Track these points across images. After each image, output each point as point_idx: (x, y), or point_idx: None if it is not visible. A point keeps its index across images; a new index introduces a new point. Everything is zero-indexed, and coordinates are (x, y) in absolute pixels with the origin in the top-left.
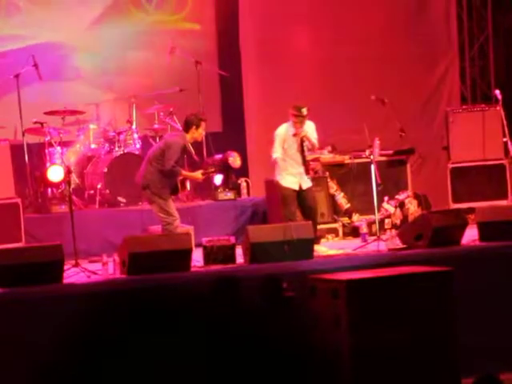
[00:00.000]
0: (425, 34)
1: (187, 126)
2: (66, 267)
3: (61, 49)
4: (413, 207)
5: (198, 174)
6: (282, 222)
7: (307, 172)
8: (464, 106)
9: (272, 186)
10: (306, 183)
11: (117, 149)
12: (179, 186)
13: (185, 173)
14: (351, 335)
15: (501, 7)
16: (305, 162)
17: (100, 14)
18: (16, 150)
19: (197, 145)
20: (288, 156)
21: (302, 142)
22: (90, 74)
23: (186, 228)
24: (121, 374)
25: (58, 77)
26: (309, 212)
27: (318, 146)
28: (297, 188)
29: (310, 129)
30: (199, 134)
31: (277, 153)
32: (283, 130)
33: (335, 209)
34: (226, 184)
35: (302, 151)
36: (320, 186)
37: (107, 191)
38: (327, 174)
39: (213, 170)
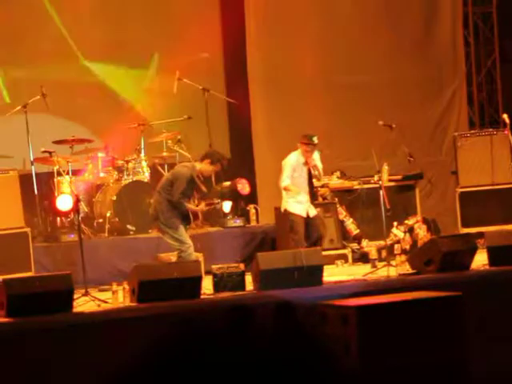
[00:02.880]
0: (432, 59)
1: (204, 157)
2: (75, 296)
3: (68, 77)
4: (422, 232)
5: (202, 207)
6: (291, 249)
7: (313, 200)
8: (472, 131)
9: (281, 213)
10: (313, 211)
11: (125, 177)
12: (191, 215)
13: (189, 206)
14: (362, 362)
15: (508, 31)
16: (312, 191)
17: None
18: (25, 179)
19: None
20: (296, 184)
21: (310, 170)
22: (99, 103)
23: (195, 255)
24: None
25: (66, 106)
26: (316, 239)
27: (322, 175)
28: (305, 215)
29: (316, 157)
30: (209, 170)
31: (286, 181)
32: (293, 159)
33: (344, 235)
34: (235, 211)
35: (310, 180)
36: (329, 212)
37: (116, 219)
38: (336, 199)
39: (217, 201)
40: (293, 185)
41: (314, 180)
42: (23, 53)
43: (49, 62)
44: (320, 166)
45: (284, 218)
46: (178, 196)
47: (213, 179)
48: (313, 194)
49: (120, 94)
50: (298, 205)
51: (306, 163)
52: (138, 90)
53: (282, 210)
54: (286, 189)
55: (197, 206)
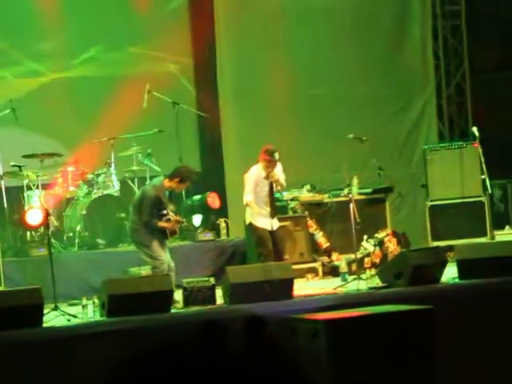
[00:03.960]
0: (402, 72)
1: (173, 175)
2: (45, 311)
3: (38, 92)
4: (392, 246)
5: (173, 223)
6: (261, 263)
7: (274, 214)
8: (442, 144)
9: (250, 227)
10: (276, 224)
11: (95, 191)
12: (168, 232)
13: (159, 223)
14: (332, 375)
15: (477, 44)
16: (274, 204)
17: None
18: None
19: None
20: (258, 198)
21: (272, 185)
22: (68, 117)
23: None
24: None
25: (35, 120)
26: (278, 252)
27: (285, 186)
28: (270, 228)
29: (278, 169)
30: (178, 187)
31: (248, 197)
32: (255, 174)
33: (314, 248)
34: (205, 225)
35: (272, 194)
36: (299, 225)
37: (86, 233)
38: (306, 212)
39: (183, 220)
40: (256, 198)
41: (280, 193)
42: None
43: (18, 76)
44: (283, 177)
45: (250, 231)
46: (146, 218)
47: (183, 193)
48: (275, 207)
49: (90, 107)
50: (263, 218)
51: (267, 177)
52: (108, 103)
53: (247, 222)
54: (247, 205)
55: (168, 220)
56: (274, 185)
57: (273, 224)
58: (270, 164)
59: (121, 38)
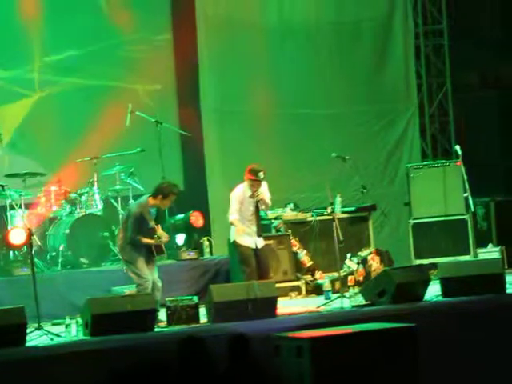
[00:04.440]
0: (384, 91)
1: (156, 192)
2: (28, 330)
3: (21, 112)
4: (375, 264)
5: (157, 240)
6: (245, 281)
7: (260, 233)
8: (425, 162)
9: (232, 245)
10: (260, 243)
11: (78, 210)
12: (153, 248)
13: (144, 240)
14: None
15: (459, 63)
16: (259, 223)
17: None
18: None
19: None
20: (243, 216)
21: (257, 203)
22: (51, 136)
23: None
24: None
25: (18, 139)
26: (263, 270)
27: (270, 205)
28: (254, 247)
29: (263, 188)
30: (163, 204)
31: (233, 216)
32: (240, 192)
33: (298, 266)
34: (188, 243)
35: (257, 212)
36: (283, 244)
37: (69, 253)
38: (290, 231)
39: (167, 239)
40: (241, 217)
41: (264, 211)
42: None
43: (1, 97)
44: (268, 196)
45: (234, 249)
46: (131, 235)
47: (166, 212)
48: (260, 226)
49: (72, 127)
50: (247, 237)
51: (252, 196)
52: (91, 122)
53: (232, 240)
54: (232, 223)
55: (155, 238)
56: (259, 204)
57: (257, 242)
58: (255, 183)
59: (104, 58)
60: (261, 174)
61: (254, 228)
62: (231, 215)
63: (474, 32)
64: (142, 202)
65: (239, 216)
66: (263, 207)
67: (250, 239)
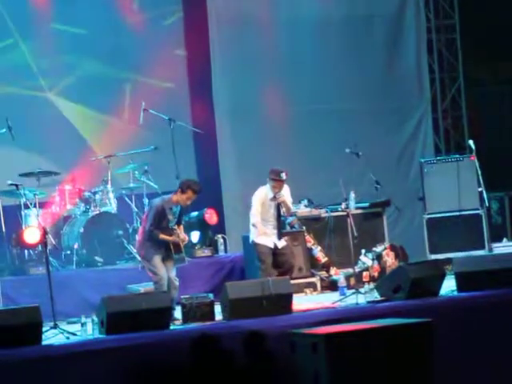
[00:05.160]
0: (397, 86)
1: (178, 189)
2: (44, 329)
3: (34, 109)
4: (390, 259)
5: (175, 237)
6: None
7: (280, 236)
8: (438, 157)
9: (249, 243)
10: (281, 243)
11: (93, 209)
12: (171, 247)
13: (162, 236)
14: None
15: (472, 57)
16: (280, 226)
17: (74, 76)
18: None
19: None
20: (264, 219)
21: (278, 206)
22: (65, 135)
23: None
24: None
25: (32, 138)
26: (286, 270)
27: (292, 210)
28: (272, 246)
29: (285, 192)
30: (182, 199)
31: (254, 217)
32: (262, 194)
33: (313, 263)
34: (203, 241)
35: (278, 215)
36: (297, 241)
37: (84, 251)
38: (304, 228)
39: (185, 239)
40: (261, 218)
41: (285, 215)
42: None
43: (15, 94)
44: (289, 200)
45: (253, 248)
46: (149, 227)
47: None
48: (281, 229)
49: (86, 125)
50: (266, 237)
51: (274, 198)
52: (105, 121)
53: (250, 241)
54: (254, 225)
55: (173, 235)
56: (281, 206)
57: (277, 243)
58: (277, 184)
59: (117, 57)
60: (283, 175)
61: (275, 230)
62: (253, 217)
63: (487, 26)
64: (164, 198)
65: (260, 218)
66: (284, 210)
67: (269, 239)
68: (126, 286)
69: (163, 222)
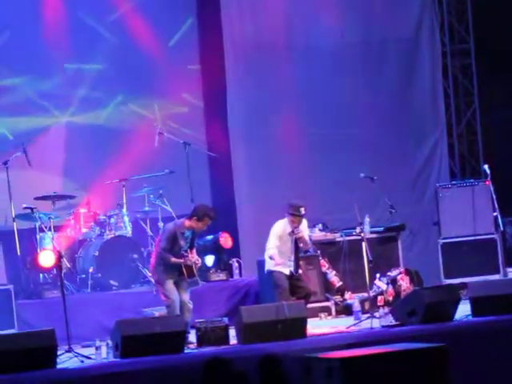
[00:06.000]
0: (413, 110)
1: (192, 213)
2: (59, 352)
3: (51, 135)
4: (405, 283)
5: (186, 260)
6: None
7: (297, 270)
8: (453, 182)
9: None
10: (297, 271)
11: (108, 232)
12: (184, 271)
13: (173, 260)
14: None
15: (487, 82)
16: (298, 259)
17: (89, 101)
18: (7, 235)
19: None
20: (282, 252)
21: (296, 240)
22: (80, 158)
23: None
24: None
25: (47, 162)
26: (304, 296)
27: (310, 246)
28: (288, 273)
29: (303, 226)
30: (198, 226)
31: (271, 250)
32: (280, 228)
33: (327, 287)
34: (217, 265)
35: (296, 250)
36: (312, 265)
37: (99, 275)
38: (319, 252)
39: (198, 262)
40: (279, 251)
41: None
42: (2, 107)
43: (30, 119)
44: (307, 233)
45: (269, 277)
46: (161, 251)
47: None
48: (298, 263)
49: (101, 148)
50: (282, 267)
51: (292, 233)
52: (120, 144)
53: (266, 270)
54: (271, 258)
55: (184, 258)
56: (298, 242)
57: (293, 271)
58: (296, 219)
59: (132, 83)
60: (302, 210)
61: (291, 262)
62: (269, 250)
63: (502, 50)
64: (177, 222)
65: (278, 251)
66: (301, 245)
67: (286, 267)
68: (141, 310)
69: (175, 247)
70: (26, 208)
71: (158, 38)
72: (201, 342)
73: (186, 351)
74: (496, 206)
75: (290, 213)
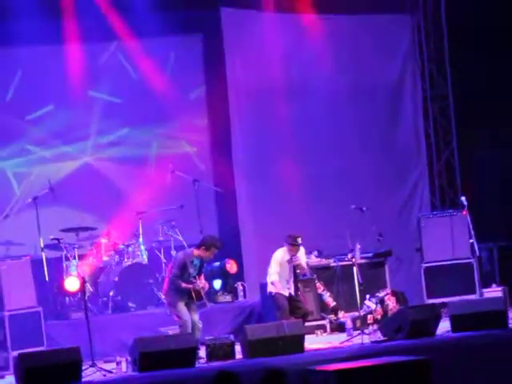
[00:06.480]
0: (397, 148)
1: (200, 244)
2: (84, 367)
3: (74, 173)
4: (392, 303)
5: (195, 285)
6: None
7: (297, 293)
8: (434, 212)
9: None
10: (296, 293)
11: (126, 260)
12: (193, 294)
13: (184, 285)
14: None
15: (464, 123)
16: (296, 283)
17: (110, 142)
18: (36, 263)
19: None
20: (281, 276)
21: (294, 267)
22: (101, 194)
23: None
24: None
25: (71, 197)
26: (302, 315)
27: (307, 271)
28: (287, 295)
29: (301, 253)
30: (206, 255)
31: (273, 276)
32: (279, 256)
33: (323, 307)
34: (224, 288)
35: (294, 276)
36: (309, 287)
37: (119, 298)
38: (315, 275)
39: (205, 286)
40: (279, 276)
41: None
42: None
43: (55, 159)
44: (304, 260)
45: (270, 298)
46: (172, 278)
47: None
48: (297, 286)
49: (120, 185)
50: (282, 290)
51: (290, 260)
52: (136, 181)
53: (268, 293)
54: (272, 283)
55: (193, 283)
56: (296, 268)
57: (292, 293)
58: (293, 248)
59: (150, 126)
60: (298, 240)
61: (291, 287)
62: (270, 276)
63: (480, 92)
64: (187, 252)
65: (278, 276)
66: (299, 271)
67: (285, 290)
68: (156, 329)
69: (185, 274)
70: (53, 239)
71: (173, 87)
72: (210, 357)
73: (196, 365)
74: (472, 233)
75: (289, 242)
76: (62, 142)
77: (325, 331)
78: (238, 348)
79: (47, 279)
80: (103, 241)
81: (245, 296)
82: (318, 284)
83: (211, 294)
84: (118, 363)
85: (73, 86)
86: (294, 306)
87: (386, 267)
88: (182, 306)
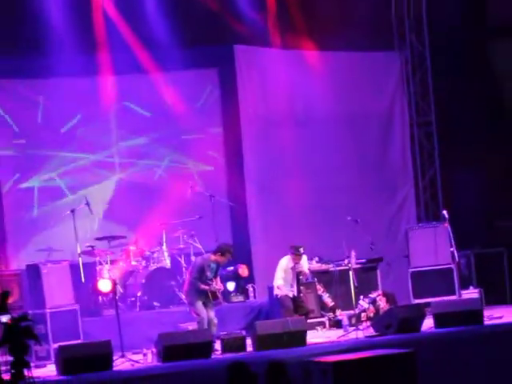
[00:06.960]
0: (388, 169)
1: (217, 250)
2: (114, 358)
3: (106, 187)
4: (382, 303)
5: (211, 287)
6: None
7: (300, 296)
8: (420, 224)
9: (273, 293)
10: (299, 295)
11: (151, 264)
12: (209, 294)
13: (202, 286)
14: None
15: (445, 146)
16: (299, 287)
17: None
18: (74, 268)
19: None
20: (286, 281)
21: (297, 273)
22: (130, 207)
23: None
24: None
25: (104, 210)
26: (305, 313)
27: (308, 276)
28: (291, 296)
29: (304, 260)
30: (222, 260)
31: (278, 281)
32: (284, 263)
33: (322, 306)
34: (237, 289)
35: (297, 280)
36: (310, 289)
37: (145, 297)
38: (315, 279)
39: (220, 288)
40: (284, 281)
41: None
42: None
43: (91, 174)
44: (306, 266)
45: (276, 299)
46: (192, 280)
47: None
48: (300, 289)
49: (146, 199)
50: (287, 291)
51: (294, 267)
52: (161, 196)
53: (274, 294)
54: (278, 288)
55: (210, 285)
56: (299, 274)
57: (295, 293)
58: (296, 257)
59: (172, 147)
60: (301, 250)
61: (295, 289)
62: (276, 281)
63: (460, 119)
64: (204, 257)
65: (283, 281)
66: (301, 277)
67: (290, 292)
68: (177, 325)
69: (203, 276)
70: (88, 246)
71: (188, 109)
72: (224, 349)
73: (212, 357)
74: (453, 242)
75: (292, 252)
76: (99, 169)
77: (324, 327)
78: (248, 341)
79: (83, 281)
80: (132, 248)
81: (255, 297)
82: (318, 286)
83: (225, 294)
84: (145, 355)
85: (102, 99)
86: (297, 305)
87: (378, 272)
88: (199, 305)
